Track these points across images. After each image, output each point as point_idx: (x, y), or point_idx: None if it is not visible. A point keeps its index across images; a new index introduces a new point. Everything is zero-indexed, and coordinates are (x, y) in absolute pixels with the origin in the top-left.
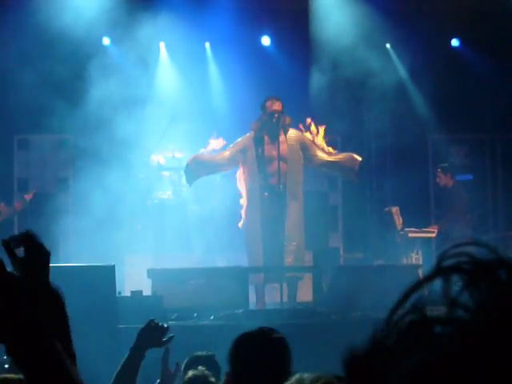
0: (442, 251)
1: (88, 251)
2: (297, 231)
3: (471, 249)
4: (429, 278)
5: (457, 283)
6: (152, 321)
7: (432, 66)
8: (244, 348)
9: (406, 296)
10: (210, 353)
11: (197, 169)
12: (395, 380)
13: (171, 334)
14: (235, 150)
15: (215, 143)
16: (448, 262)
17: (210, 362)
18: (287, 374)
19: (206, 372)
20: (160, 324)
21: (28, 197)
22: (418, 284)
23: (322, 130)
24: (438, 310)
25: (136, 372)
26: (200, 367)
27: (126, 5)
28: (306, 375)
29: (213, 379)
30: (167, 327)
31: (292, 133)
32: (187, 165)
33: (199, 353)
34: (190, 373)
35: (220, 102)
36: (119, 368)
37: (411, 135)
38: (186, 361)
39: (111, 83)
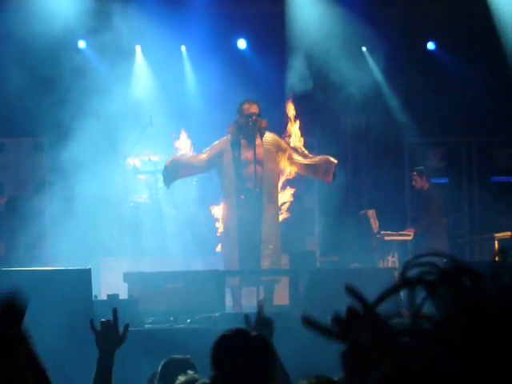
0: (404, 262)
1: (64, 255)
2: (273, 234)
3: (433, 258)
4: (393, 290)
5: (422, 293)
6: (101, 324)
7: (408, 69)
8: (225, 349)
9: (371, 309)
10: (186, 356)
11: (174, 171)
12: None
13: (124, 323)
14: (212, 153)
15: (181, 144)
16: (411, 273)
17: (185, 365)
18: (273, 371)
19: (196, 376)
20: (109, 322)
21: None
22: (383, 296)
23: (296, 124)
24: (403, 322)
25: (110, 380)
26: (189, 371)
27: (101, 8)
28: (304, 381)
29: (206, 381)
30: (113, 320)
31: (268, 136)
32: (165, 167)
33: (175, 356)
34: (182, 378)
35: (196, 105)
36: (93, 380)
37: (387, 138)
38: (161, 364)
39: (86, 86)
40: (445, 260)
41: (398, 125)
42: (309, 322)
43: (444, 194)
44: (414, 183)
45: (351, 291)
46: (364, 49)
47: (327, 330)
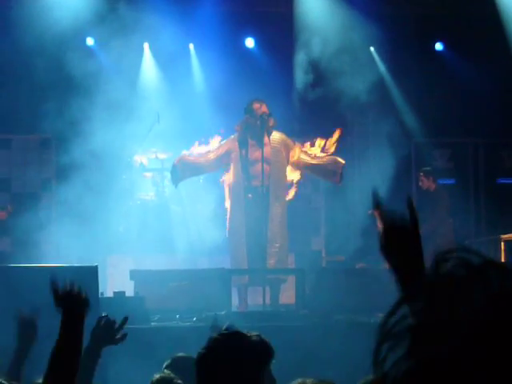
0: (435, 256)
1: (70, 252)
2: (280, 233)
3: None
4: (425, 284)
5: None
6: (103, 318)
7: (415, 70)
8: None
9: (401, 301)
10: (190, 354)
11: (183, 170)
12: (392, 381)
13: (124, 332)
14: (220, 152)
15: (197, 149)
16: (442, 267)
17: (189, 363)
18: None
19: (172, 375)
20: (111, 320)
21: (10, 209)
22: (414, 289)
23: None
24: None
25: (93, 373)
26: (165, 370)
27: (109, 5)
28: (308, 380)
29: (179, 381)
30: (120, 324)
31: (276, 135)
32: (173, 165)
33: (180, 354)
34: (157, 376)
35: (204, 103)
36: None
37: (394, 139)
38: (166, 362)
39: (94, 84)
40: (473, 255)
41: (406, 125)
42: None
43: (450, 194)
44: (420, 184)
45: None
46: (372, 49)
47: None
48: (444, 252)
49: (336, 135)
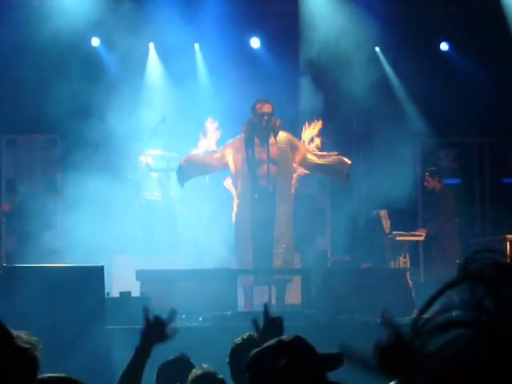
0: (466, 257)
1: (76, 252)
2: (286, 233)
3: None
4: (455, 283)
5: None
6: (152, 317)
7: (421, 70)
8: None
9: (433, 299)
10: (182, 354)
11: (189, 170)
12: (422, 376)
13: (175, 327)
14: (226, 152)
15: (205, 143)
16: (472, 267)
17: (182, 362)
18: None
19: (212, 369)
20: (160, 318)
21: (16, 200)
22: (445, 288)
23: (317, 127)
24: (463, 314)
25: (142, 371)
26: (204, 364)
27: (115, 6)
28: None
29: (221, 376)
30: (168, 320)
31: (282, 135)
32: (180, 165)
33: (169, 359)
34: (198, 371)
35: (209, 103)
36: (125, 368)
37: (400, 139)
38: (158, 367)
39: (100, 84)
40: (503, 257)
41: (411, 125)
42: (348, 354)
43: (456, 194)
44: (426, 184)
45: (388, 323)
46: (377, 49)
47: (369, 363)
48: (473, 252)
49: (316, 127)
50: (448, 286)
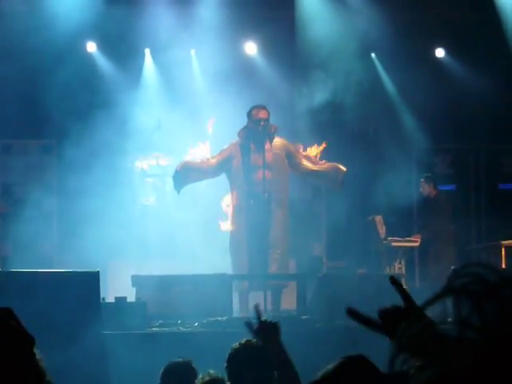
0: (452, 271)
1: (71, 257)
2: (281, 239)
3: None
4: (438, 297)
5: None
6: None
7: (417, 76)
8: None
9: (418, 315)
10: (186, 359)
11: (185, 176)
12: None
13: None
14: (221, 158)
15: (199, 150)
16: (457, 282)
17: (186, 367)
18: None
19: (220, 376)
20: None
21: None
22: (429, 302)
23: (321, 148)
24: (449, 329)
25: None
26: (211, 371)
27: (110, 11)
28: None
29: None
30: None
31: (277, 141)
32: (176, 171)
33: (176, 360)
34: (206, 377)
35: (205, 108)
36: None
37: (395, 144)
38: (162, 370)
39: (95, 89)
40: (491, 271)
41: (406, 131)
42: (353, 314)
43: (451, 200)
44: (421, 190)
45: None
46: (373, 55)
47: (373, 322)
48: (461, 267)
49: (320, 148)
50: (433, 299)
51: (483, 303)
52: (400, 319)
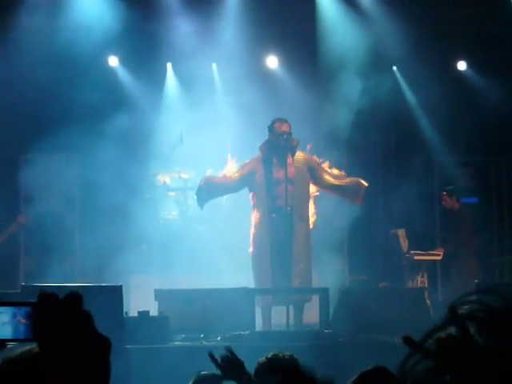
0: (454, 299)
1: (94, 271)
2: (304, 253)
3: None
4: (443, 326)
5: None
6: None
7: (438, 89)
8: None
9: (422, 342)
10: (214, 372)
11: (208, 191)
12: None
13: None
14: (244, 172)
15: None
16: (462, 310)
17: (214, 380)
18: None
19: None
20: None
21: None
22: (431, 332)
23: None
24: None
25: None
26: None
27: (133, 26)
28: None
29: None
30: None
31: (299, 155)
32: (199, 187)
33: (204, 373)
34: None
35: (227, 123)
36: None
37: (417, 157)
38: (191, 381)
39: (118, 104)
40: (495, 297)
41: (428, 144)
42: (408, 341)
43: (474, 213)
44: (443, 203)
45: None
46: (394, 68)
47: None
48: (463, 295)
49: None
50: (436, 329)
51: (488, 329)
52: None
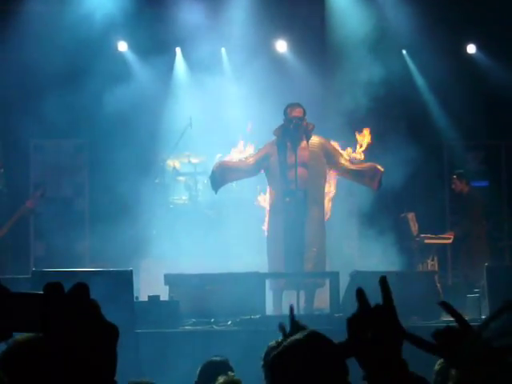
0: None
1: (104, 256)
2: (318, 237)
3: None
4: (498, 314)
5: None
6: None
7: (448, 72)
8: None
9: (484, 325)
10: (223, 358)
11: (222, 175)
12: None
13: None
14: (259, 157)
15: (238, 152)
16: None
17: (223, 367)
18: None
19: (235, 378)
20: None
21: (38, 193)
22: (488, 320)
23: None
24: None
25: None
26: (230, 372)
27: (142, 10)
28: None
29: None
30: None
31: (314, 139)
32: (212, 171)
33: (213, 358)
34: (221, 379)
35: (236, 107)
36: None
37: (427, 141)
38: (200, 367)
39: (127, 89)
40: None
41: (438, 128)
42: (411, 338)
43: (484, 197)
44: (453, 186)
45: (449, 309)
46: (404, 51)
47: (427, 344)
48: None
49: (365, 138)
50: (492, 317)
51: None
52: (454, 340)
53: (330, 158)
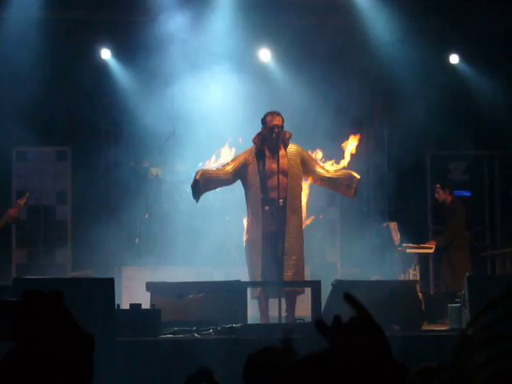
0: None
1: (86, 264)
2: (297, 245)
3: None
4: (498, 300)
5: None
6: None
7: (430, 82)
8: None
9: (480, 313)
10: (207, 366)
11: (204, 184)
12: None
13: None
14: (237, 165)
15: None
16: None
17: (205, 375)
18: None
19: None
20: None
21: (21, 202)
22: (488, 306)
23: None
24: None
25: None
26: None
27: (125, 18)
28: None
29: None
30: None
31: (292, 147)
32: (194, 180)
33: (199, 366)
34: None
35: (219, 115)
36: None
37: (410, 151)
38: (187, 376)
39: (109, 96)
40: None
41: (421, 138)
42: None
43: (466, 206)
44: (436, 196)
45: (351, 301)
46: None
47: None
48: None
49: (354, 142)
50: (492, 303)
51: None
52: (348, 330)
53: (307, 166)
